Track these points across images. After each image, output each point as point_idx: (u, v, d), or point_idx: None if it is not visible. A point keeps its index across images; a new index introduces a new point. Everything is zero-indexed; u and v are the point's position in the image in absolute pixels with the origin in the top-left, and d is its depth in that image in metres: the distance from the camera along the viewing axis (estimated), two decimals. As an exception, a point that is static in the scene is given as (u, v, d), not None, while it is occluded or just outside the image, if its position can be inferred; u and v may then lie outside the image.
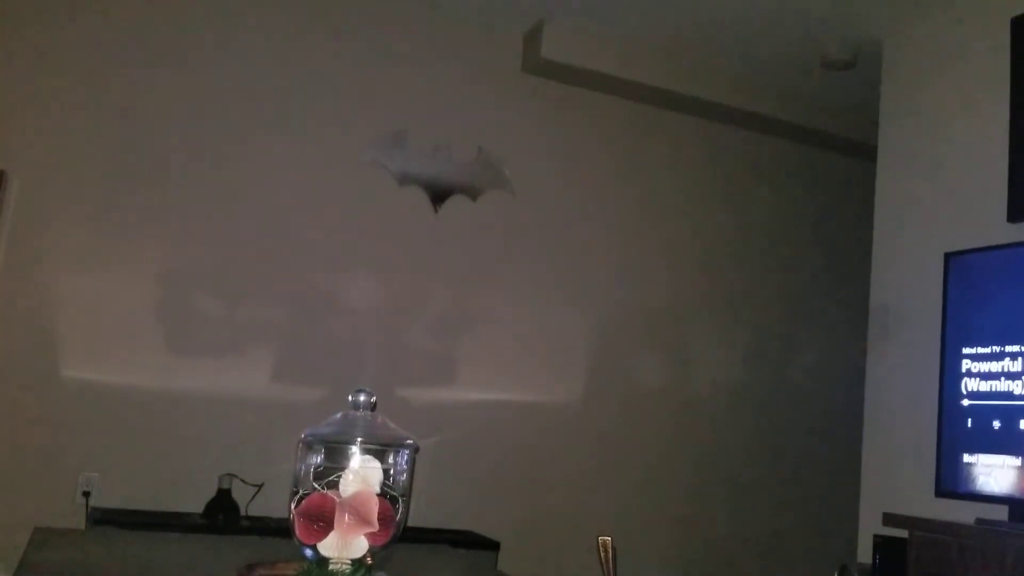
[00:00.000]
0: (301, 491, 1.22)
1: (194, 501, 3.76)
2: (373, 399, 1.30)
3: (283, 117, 4.22)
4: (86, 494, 3.71)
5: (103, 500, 3.72)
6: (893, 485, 3.48)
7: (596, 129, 4.82)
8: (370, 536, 1.18)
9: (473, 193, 4.49)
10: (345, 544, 1.18)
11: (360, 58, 4.40)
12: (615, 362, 4.73)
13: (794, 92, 4.94)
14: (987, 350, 2.89)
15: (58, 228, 3.85)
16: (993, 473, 2.79)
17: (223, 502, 3.75)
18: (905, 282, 3.67)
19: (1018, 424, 2.77)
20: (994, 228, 3.22)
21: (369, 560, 1.19)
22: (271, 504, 3.82)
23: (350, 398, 1.30)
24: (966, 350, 2.95)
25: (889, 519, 2.91)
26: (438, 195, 4.43)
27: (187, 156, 4.06)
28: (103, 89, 3.97)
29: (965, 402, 2.92)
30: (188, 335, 4.00)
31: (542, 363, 4.58)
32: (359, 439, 1.23)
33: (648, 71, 4.70)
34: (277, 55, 4.25)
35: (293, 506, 1.21)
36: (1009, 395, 2.79)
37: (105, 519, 3.48)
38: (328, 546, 1.18)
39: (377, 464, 1.22)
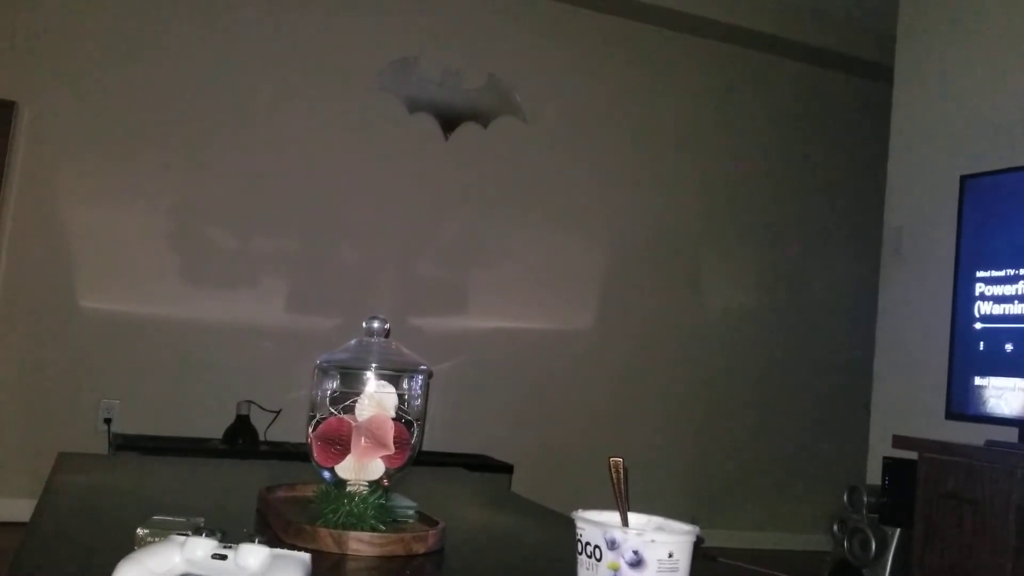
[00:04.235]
0: (318, 415, 1.24)
1: (213, 428, 3.83)
2: (387, 325, 1.31)
3: (293, 46, 4.17)
4: (107, 421, 3.79)
5: (124, 427, 3.79)
6: (903, 408, 3.51)
7: (607, 53, 4.74)
8: (386, 459, 1.20)
9: (484, 120, 4.45)
10: (362, 466, 1.20)
11: (367, -18, 4.32)
12: (628, 288, 4.74)
13: (810, 11, 4.83)
14: (1001, 273, 2.87)
15: (71, 159, 3.85)
16: (1004, 396, 2.80)
17: (242, 428, 3.82)
18: (920, 205, 3.64)
19: (1030, 347, 2.77)
20: (1011, 150, 3.18)
21: (386, 482, 1.21)
22: (288, 430, 3.89)
23: (364, 325, 1.30)
24: (980, 273, 2.93)
25: (899, 441, 2.94)
26: (448, 122, 4.40)
27: (199, 88, 4.03)
28: (113, 20, 3.92)
29: (978, 325, 2.92)
30: (203, 266, 4.03)
31: (554, 290, 4.59)
32: (374, 364, 1.24)
33: (661, -8, 4.60)
34: (283, -21, 4.18)
35: (310, 430, 1.23)
36: (1022, 318, 2.79)
37: (127, 445, 3.56)
38: (345, 468, 1.20)
39: (392, 389, 1.24)
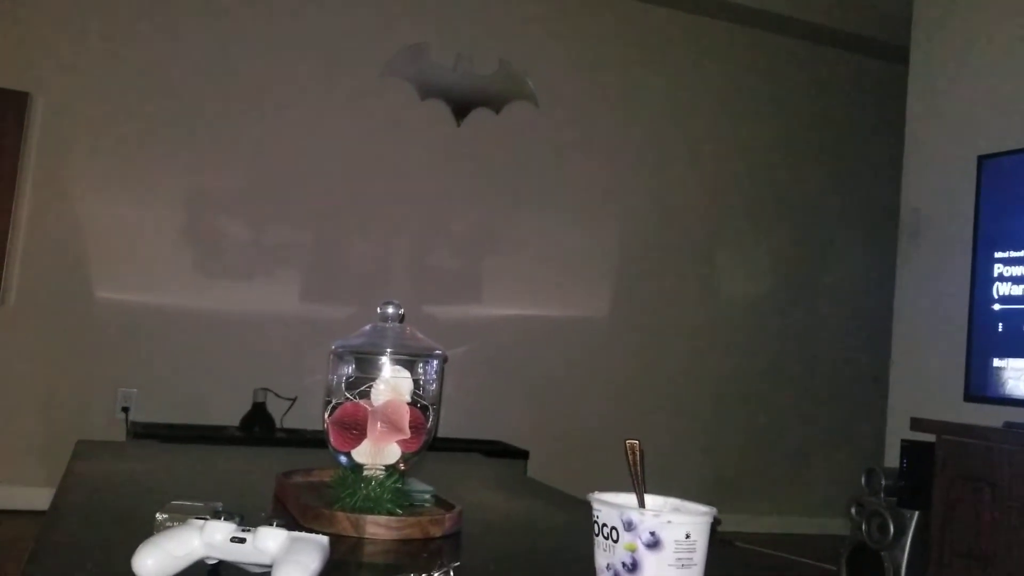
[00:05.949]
0: (334, 401, 1.24)
1: (230, 415, 3.85)
2: (401, 310, 1.31)
3: (304, 34, 4.17)
4: (125, 409, 3.81)
5: (142, 415, 3.82)
6: (921, 390, 3.49)
7: (620, 36, 4.72)
8: (402, 443, 1.20)
9: (496, 105, 4.44)
10: (378, 451, 1.20)
11: (378, -32, 4.30)
12: (642, 274, 4.73)
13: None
14: (1020, 254, 2.85)
15: (85, 150, 3.86)
16: (1023, 377, 2.78)
17: (258, 415, 3.84)
18: (937, 186, 3.61)
19: (1049, 328, 2.75)
20: (1030, 129, 3.14)
21: (402, 466, 1.22)
22: (304, 417, 3.90)
23: (379, 310, 1.30)
24: (998, 254, 2.91)
25: (917, 423, 2.92)
26: (460, 108, 4.38)
27: (211, 79, 4.03)
28: (126, 11, 3.93)
29: (996, 307, 2.89)
30: (217, 257, 4.04)
31: (568, 277, 4.58)
32: (389, 349, 1.24)
33: (674, -26, 4.57)
34: (294, -33, 4.18)
35: (327, 415, 1.23)
36: (1041, 299, 2.77)
37: (145, 433, 3.58)
38: (362, 453, 1.20)
39: (407, 374, 1.24)
